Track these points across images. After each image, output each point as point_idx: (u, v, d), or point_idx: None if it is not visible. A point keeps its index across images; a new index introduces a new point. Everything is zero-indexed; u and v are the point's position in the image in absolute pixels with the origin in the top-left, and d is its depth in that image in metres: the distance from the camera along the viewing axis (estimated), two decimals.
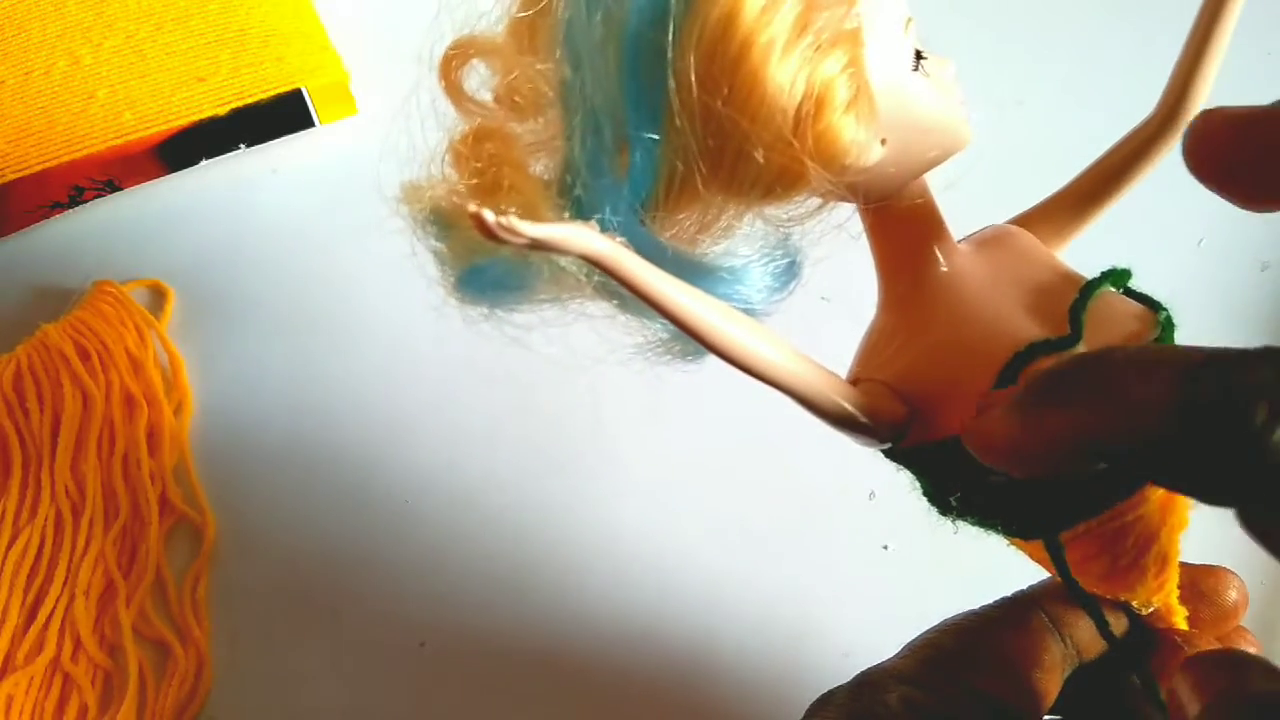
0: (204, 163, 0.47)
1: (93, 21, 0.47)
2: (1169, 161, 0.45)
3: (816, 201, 0.23)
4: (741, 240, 0.24)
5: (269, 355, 0.44)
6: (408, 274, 0.47)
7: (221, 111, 0.46)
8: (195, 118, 0.45)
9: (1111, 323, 0.24)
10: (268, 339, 0.44)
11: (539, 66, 0.21)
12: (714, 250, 0.23)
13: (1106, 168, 0.26)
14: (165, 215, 0.47)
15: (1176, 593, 0.26)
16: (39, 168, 0.44)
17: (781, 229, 0.24)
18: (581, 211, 0.22)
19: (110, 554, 0.39)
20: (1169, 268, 0.44)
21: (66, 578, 0.39)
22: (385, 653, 0.38)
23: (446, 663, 0.38)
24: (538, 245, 0.19)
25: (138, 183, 0.46)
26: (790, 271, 0.24)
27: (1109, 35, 0.48)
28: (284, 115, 0.47)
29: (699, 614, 0.38)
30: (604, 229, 0.20)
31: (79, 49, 0.46)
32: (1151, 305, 0.25)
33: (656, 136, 0.21)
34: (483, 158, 0.22)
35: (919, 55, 0.22)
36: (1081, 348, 0.23)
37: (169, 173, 0.46)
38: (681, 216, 0.22)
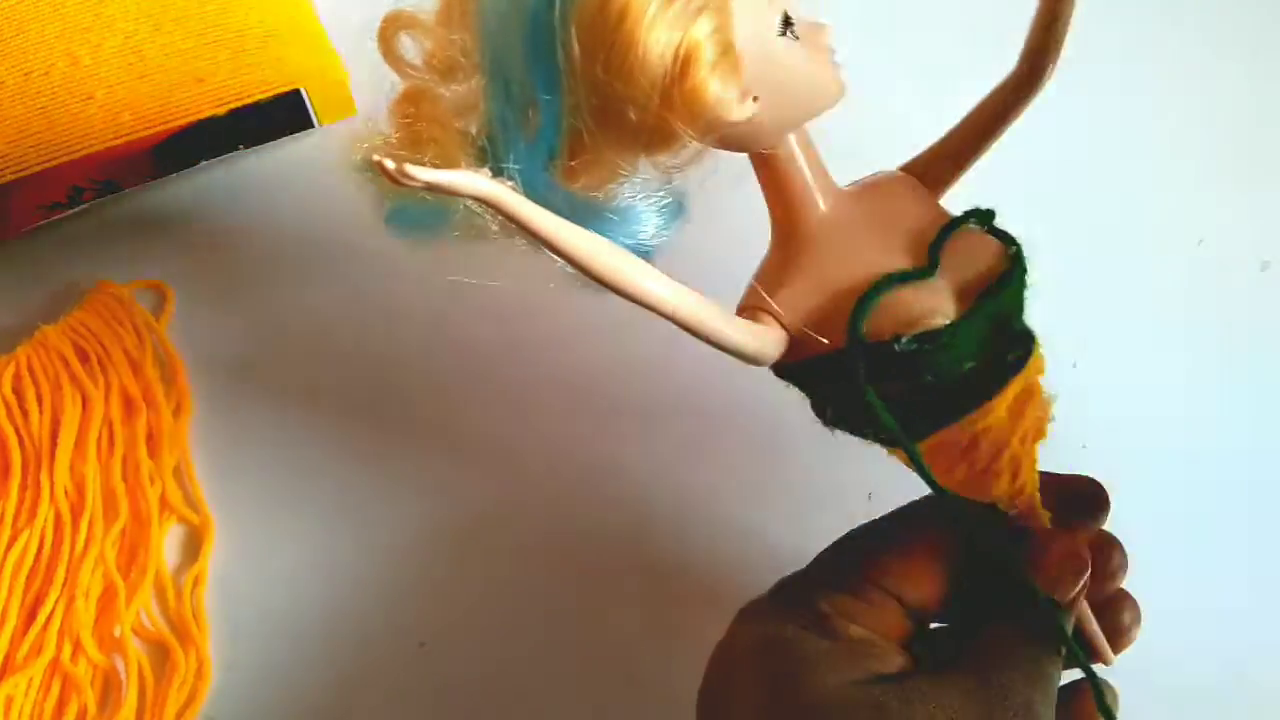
0: (203, 163, 0.47)
1: (91, 22, 0.47)
2: (1171, 162, 0.46)
3: (693, 150, 0.26)
4: (633, 185, 0.27)
5: (269, 355, 0.44)
6: (408, 273, 0.47)
7: (221, 112, 0.46)
8: (194, 118, 0.45)
9: (968, 257, 0.27)
10: (268, 339, 0.44)
11: (457, 37, 0.25)
12: (613, 194, 0.26)
13: (976, 123, 0.29)
14: (165, 215, 0.47)
15: (1038, 496, 0.30)
16: (39, 168, 0.44)
17: (669, 174, 0.27)
18: (492, 161, 0.25)
19: (110, 555, 0.39)
20: (1169, 268, 0.44)
21: (66, 578, 0.39)
22: (385, 653, 0.38)
23: (446, 663, 0.38)
24: (432, 188, 0.22)
25: (137, 183, 0.46)
26: (676, 209, 0.28)
27: (1107, 42, 0.48)
28: (284, 115, 0.47)
29: (700, 614, 0.38)
30: (505, 176, 0.24)
31: (78, 50, 0.46)
32: (1006, 241, 0.28)
33: (553, 98, 0.24)
34: (410, 115, 0.26)
35: (787, 21, 0.25)
36: (938, 278, 0.27)
37: (168, 173, 0.46)
38: (583, 166, 0.25)
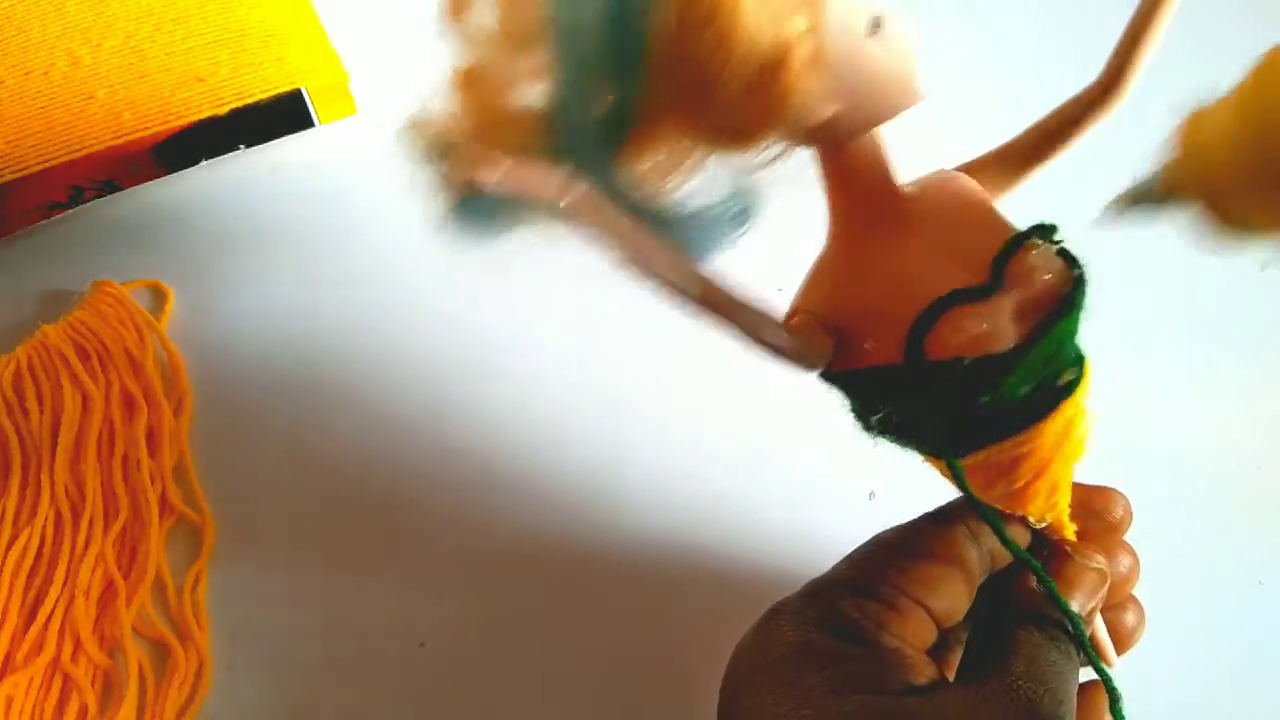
0: (204, 163, 0.47)
1: (92, 22, 0.47)
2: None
3: (776, 149, 0.25)
4: (702, 184, 0.26)
5: (269, 355, 0.44)
6: (408, 273, 0.47)
7: (221, 112, 0.46)
8: (195, 118, 0.45)
9: (1032, 275, 0.26)
10: (268, 339, 0.44)
11: (533, 9, 0.23)
12: (677, 192, 0.26)
13: (1047, 129, 0.28)
14: (165, 215, 0.47)
15: (1068, 511, 0.30)
16: (39, 168, 0.44)
17: (741, 174, 0.26)
18: (567, 149, 0.24)
19: (110, 554, 0.39)
20: (1169, 267, 0.44)
21: (66, 578, 0.39)
22: (385, 653, 0.38)
23: (446, 663, 0.38)
24: (514, 193, 0.21)
25: (137, 183, 0.46)
26: (744, 216, 0.27)
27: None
28: (284, 115, 0.47)
29: (700, 613, 0.38)
30: (582, 169, 0.23)
31: (78, 49, 0.46)
32: (1070, 261, 0.27)
33: (635, 83, 0.23)
34: (480, 93, 0.24)
35: (877, 22, 0.24)
36: (1000, 295, 0.26)
37: (169, 173, 0.46)
38: (653, 157, 0.24)
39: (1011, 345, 0.26)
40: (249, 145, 0.47)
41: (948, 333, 0.26)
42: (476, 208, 0.26)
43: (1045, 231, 0.27)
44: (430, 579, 0.40)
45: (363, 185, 0.47)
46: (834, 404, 0.30)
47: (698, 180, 0.26)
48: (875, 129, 0.26)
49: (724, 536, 0.40)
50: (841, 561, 0.31)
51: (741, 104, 0.22)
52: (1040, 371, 0.26)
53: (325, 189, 0.47)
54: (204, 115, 0.45)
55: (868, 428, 0.29)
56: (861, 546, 0.31)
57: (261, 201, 0.47)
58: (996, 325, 0.26)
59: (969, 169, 0.29)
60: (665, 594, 0.39)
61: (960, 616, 0.30)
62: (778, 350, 0.26)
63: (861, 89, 0.24)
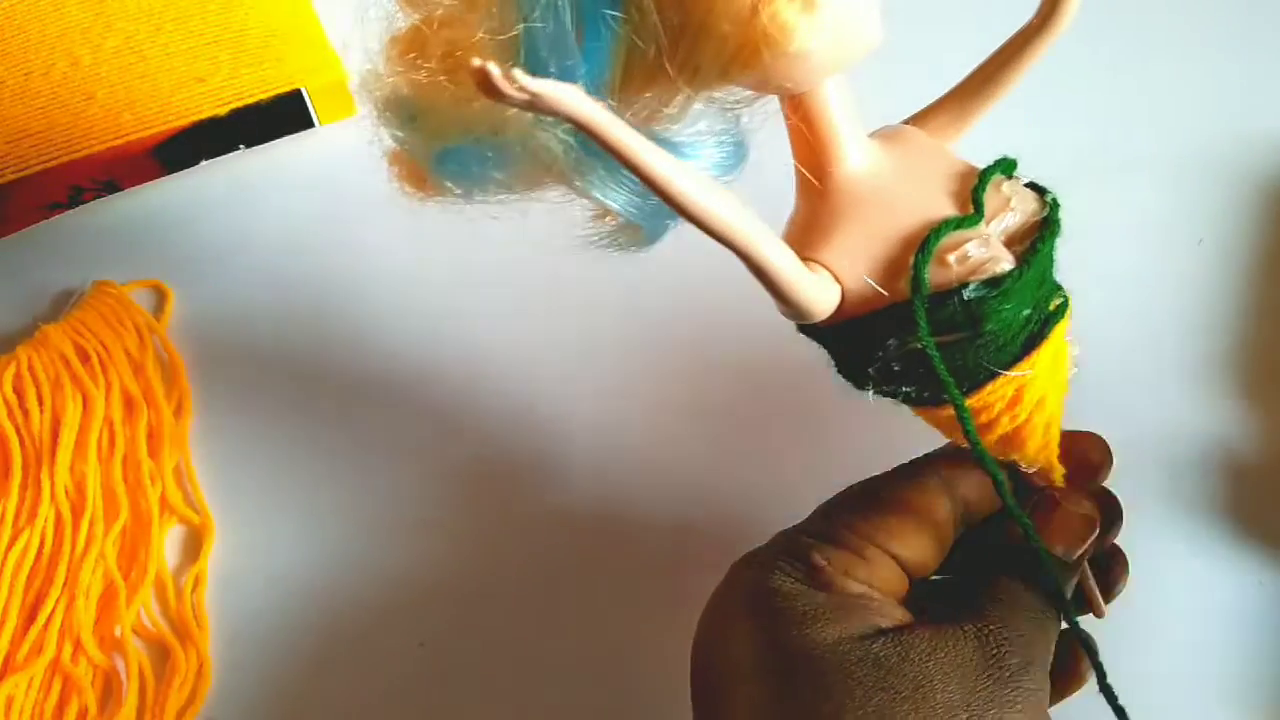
0: (204, 163, 0.47)
1: (92, 22, 0.47)
2: (1170, 163, 0.46)
3: (752, 92, 0.25)
4: (694, 120, 0.25)
5: (269, 355, 0.44)
6: (408, 273, 0.47)
7: (221, 112, 0.46)
8: (195, 118, 0.45)
9: (1008, 205, 0.27)
10: (268, 339, 0.44)
11: None
12: (669, 129, 0.25)
13: (989, 70, 0.29)
14: (165, 215, 0.47)
15: (1057, 452, 0.30)
16: (39, 168, 0.44)
17: (728, 111, 0.26)
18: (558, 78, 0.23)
19: (110, 554, 0.39)
20: (1169, 268, 0.44)
21: (66, 578, 0.39)
22: (385, 653, 0.38)
23: (446, 663, 0.38)
24: (535, 100, 0.20)
25: (137, 183, 0.46)
26: (738, 152, 0.27)
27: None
28: (284, 115, 0.47)
29: (700, 612, 0.38)
30: None
31: (78, 50, 0.46)
32: (1039, 190, 0.28)
33: (619, 15, 0.22)
34: (444, 43, 0.24)
35: None
36: (984, 225, 0.26)
37: (168, 173, 0.47)
38: (638, 97, 0.24)
39: (1011, 266, 0.26)
40: (249, 145, 0.47)
41: (950, 260, 0.26)
42: (463, 154, 0.25)
43: (1008, 165, 0.28)
44: (431, 578, 0.40)
45: (363, 185, 0.47)
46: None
47: (689, 116, 0.25)
48: (840, 76, 0.26)
49: (723, 532, 0.40)
50: (812, 513, 0.31)
51: (739, 32, 0.22)
52: (1036, 293, 0.27)
53: (325, 189, 0.47)
54: (204, 115, 0.45)
55: (861, 382, 0.29)
56: (832, 498, 0.31)
57: (261, 201, 0.47)
58: (993, 249, 0.26)
59: (914, 120, 0.29)
60: (663, 591, 0.39)
61: (932, 568, 0.30)
62: (794, 288, 0.26)
63: (839, 24, 0.24)
